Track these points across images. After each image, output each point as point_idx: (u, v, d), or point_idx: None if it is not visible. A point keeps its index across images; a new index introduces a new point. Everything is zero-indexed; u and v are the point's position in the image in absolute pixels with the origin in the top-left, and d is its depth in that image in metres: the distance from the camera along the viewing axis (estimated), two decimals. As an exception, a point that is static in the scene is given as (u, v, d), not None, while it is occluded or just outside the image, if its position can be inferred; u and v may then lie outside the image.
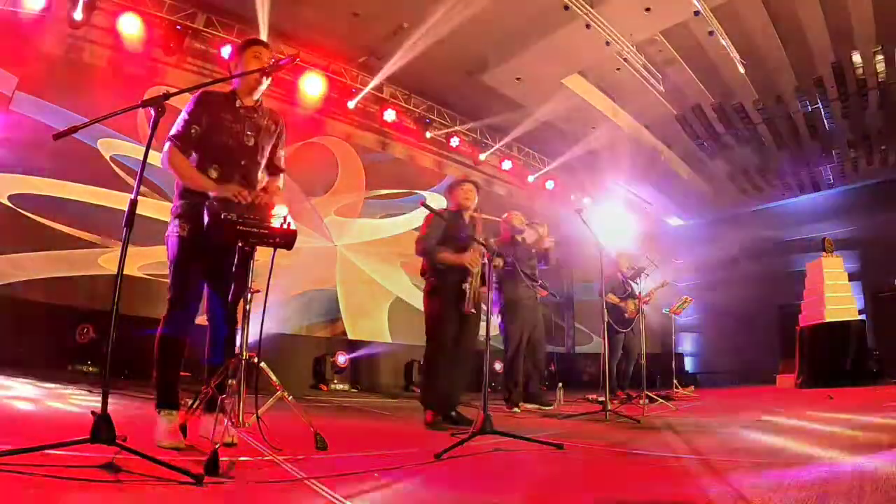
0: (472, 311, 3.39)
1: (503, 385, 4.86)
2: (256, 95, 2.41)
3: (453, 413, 3.49)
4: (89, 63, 6.01)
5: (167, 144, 2.20)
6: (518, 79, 7.76)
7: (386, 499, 1.59)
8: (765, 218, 12.82)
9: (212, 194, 2.11)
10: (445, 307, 3.45)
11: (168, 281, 2.23)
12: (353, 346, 7.37)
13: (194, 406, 2.21)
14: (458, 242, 3.51)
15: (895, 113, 8.59)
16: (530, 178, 10.25)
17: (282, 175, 2.58)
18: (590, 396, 6.01)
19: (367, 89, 7.56)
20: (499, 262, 3.56)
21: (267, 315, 2.31)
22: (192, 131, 2.21)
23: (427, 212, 3.33)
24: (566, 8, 6.18)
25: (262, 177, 2.47)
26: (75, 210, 5.65)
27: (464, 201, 3.66)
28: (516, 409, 4.49)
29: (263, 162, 2.45)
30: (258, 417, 2.04)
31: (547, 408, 4.71)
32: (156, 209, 5.58)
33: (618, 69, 7.67)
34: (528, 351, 4.74)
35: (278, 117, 2.51)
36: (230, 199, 2.08)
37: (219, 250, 2.16)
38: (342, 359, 6.82)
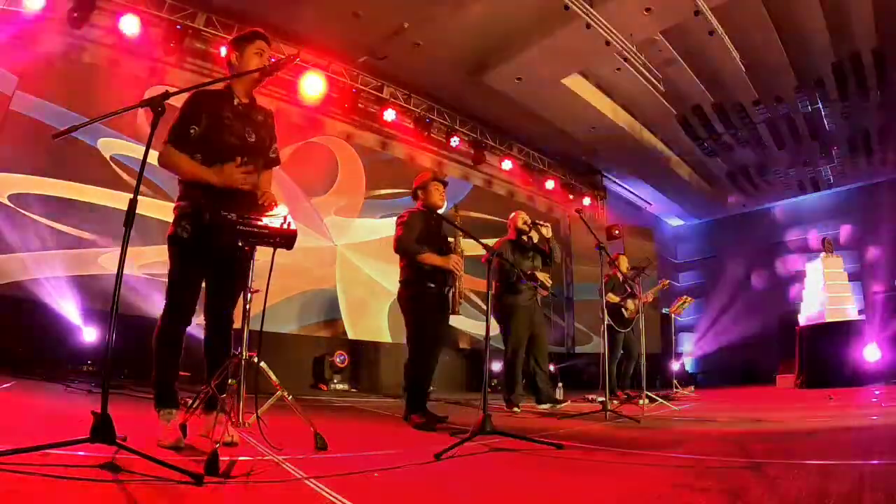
0: (459, 313, 3.54)
1: (503, 385, 4.84)
2: (252, 92, 2.42)
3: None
4: (89, 63, 6.00)
5: (162, 145, 2.19)
6: (518, 79, 7.76)
7: (386, 499, 1.59)
8: (765, 218, 12.83)
9: (215, 184, 2.15)
10: (432, 313, 3.48)
11: (167, 280, 2.23)
12: (352, 345, 7.37)
13: (194, 406, 2.21)
14: (437, 242, 3.53)
15: (895, 113, 8.59)
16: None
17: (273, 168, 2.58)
18: (589, 396, 6.01)
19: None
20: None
21: (267, 315, 2.31)
22: (191, 131, 2.21)
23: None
24: (566, 8, 6.17)
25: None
26: (75, 210, 5.65)
27: (439, 201, 3.63)
28: (516, 409, 4.49)
29: (265, 156, 2.46)
30: (258, 417, 2.04)
31: (561, 405, 4.67)
32: (156, 209, 5.59)
33: (618, 69, 7.66)
34: (533, 350, 4.72)
35: (269, 111, 2.52)
36: (234, 191, 2.09)
37: (219, 250, 2.17)
38: (341, 358, 6.81)
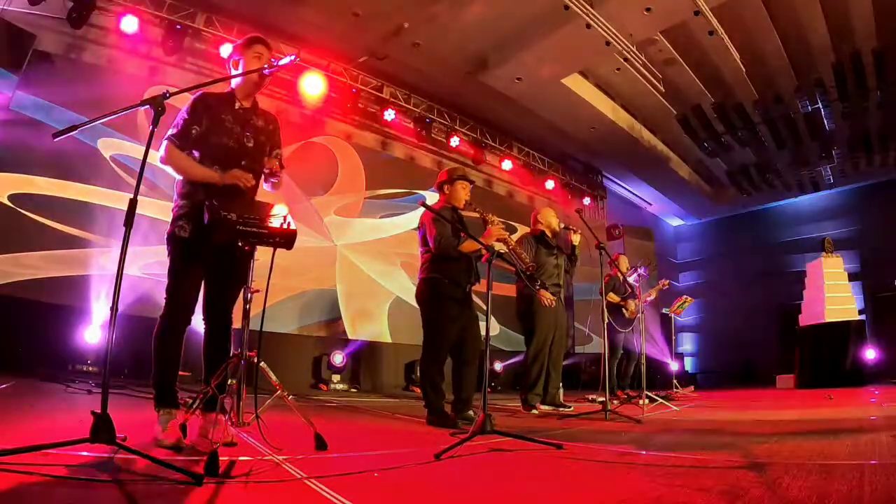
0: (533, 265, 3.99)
1: (520, 385, 4.75)
2: (254, 96, 2.43)
3: (471, 412, 3.50)
4: (89, 63, 6.00)
5: (165, 143, 2.20)
6: (518, 79, 7.76)
7: (386, 499, 1.59)
8: (765, 218, 12.83)
9: (216, 182, 2.17)
10: (453, 312, 3.50)
11: (166, 280, 2.23)
12: (351, 345, 7.36)
13: (194, 406, 2.21)
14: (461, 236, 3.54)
15: (895, 113, 8.59)
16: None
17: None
18: (590, 396, 6.01)
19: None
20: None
21: (267, 315, 2.31)
22: (193, 131, 2.22)
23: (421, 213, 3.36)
24: (566, 8, 6.17)
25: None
26: (75, 210, 5.65)
27: (462, 201, 3.66)
28: (535, 411, 4.40)
29: (263, 161, 2.46)
30: (258, 417, 2.04)
31: (566, 409, 4.62)
32: (156, 209, 5.58)
33: (618, 69, 7.66)
34: (550, 351, 4.66)
35: (273, 117, 2.54)
36: (232, 192, 2.12)
37: (219, 250, 2.17)
38: (338, 358, 6.80)
